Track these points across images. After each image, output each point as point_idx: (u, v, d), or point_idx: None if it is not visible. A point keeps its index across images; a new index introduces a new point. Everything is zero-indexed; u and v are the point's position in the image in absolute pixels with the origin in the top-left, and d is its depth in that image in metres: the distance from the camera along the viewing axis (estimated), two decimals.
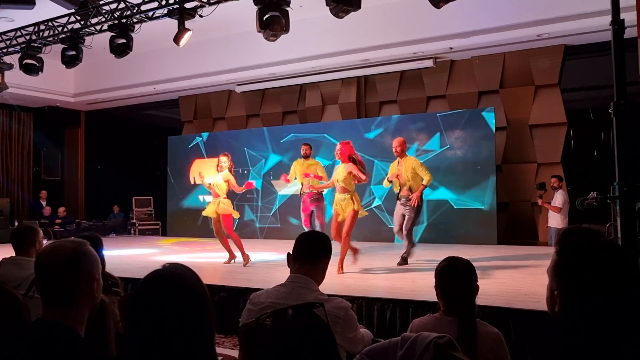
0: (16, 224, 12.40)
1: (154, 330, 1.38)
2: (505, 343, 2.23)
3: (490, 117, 9.68)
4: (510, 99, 10.07)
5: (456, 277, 2.27)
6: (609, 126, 3.17)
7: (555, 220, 8.84)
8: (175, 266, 1.49)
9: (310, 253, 2.53)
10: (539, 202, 8.88)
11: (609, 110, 3.06)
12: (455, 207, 9.86)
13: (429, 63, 10.32)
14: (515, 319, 4.12)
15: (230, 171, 7.41)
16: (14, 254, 3.52)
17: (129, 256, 8.65)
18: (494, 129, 9.67)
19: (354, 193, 6.61)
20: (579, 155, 9.98)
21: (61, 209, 13.64)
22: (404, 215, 6.97)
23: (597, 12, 7.84)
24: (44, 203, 13.90)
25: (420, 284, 5.62)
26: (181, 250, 9.29)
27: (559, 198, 8.75)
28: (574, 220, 8.43)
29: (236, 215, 7.53)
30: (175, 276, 1.45)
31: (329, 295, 2.57)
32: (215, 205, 7.36)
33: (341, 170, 6.60)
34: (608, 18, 3.14)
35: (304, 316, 1.43)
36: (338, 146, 6.75)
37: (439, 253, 7.65)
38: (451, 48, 9.78)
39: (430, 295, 4.62)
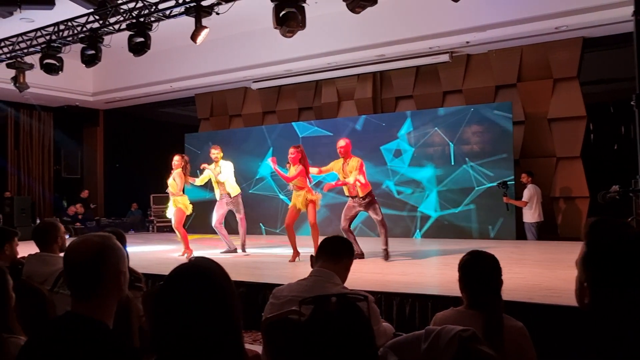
0: (38, 221, 12.60)
1: (182, 324, 1.40)
2: (529, 337, 2.22)
3: (504, 112, 9.63)
4: (528, 93, 9.97)
5: (481, 271, 2.26)
6: (629, 119, 3.13)
7: (527, 216, 9.27)
8: (202, 260, 1.51)
9: (333, 251, 2.57)
10: (504, 199, 9.17)
11: (631, 102, 3.02)
12: (472, 202, 9.81)
13: (445, 57, 10.25)
14: (537, 314, 4.09)
15: (182, 170, 7.96)
16: (36, 251, 3.58)
17: (148, 252, 8.74)
18: (511, 123, 9.60)
19: (308, 190, 7.10)
20: (599, 149, 9.86)
21: (78, 205, 13.84)
22: (356, 213, 7.15)
23: (617, 3, 7.73)
24: (65, 203, 14.17)
25: (439, 279, 5.62)
26: (200, 247, 9.32)
27: (525, 193, 9.18)
28: (596, 213, 8.33)
29: (188, 211, 8.16)
30: (202, 270, 1.47)
31: None
32: (173, 202, 8.07)
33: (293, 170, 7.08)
34: (628, 9, 3.11)
35: (347, 307, 1.41)
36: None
37: (458, 248, 7.67)
38: (468, 42, 9.70)
39: (450, 290, 4.63)
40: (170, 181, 8.04)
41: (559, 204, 9.74)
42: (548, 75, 9.78)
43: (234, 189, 8.05)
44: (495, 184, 9.40)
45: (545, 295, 4.60)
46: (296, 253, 7.20)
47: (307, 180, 7.16)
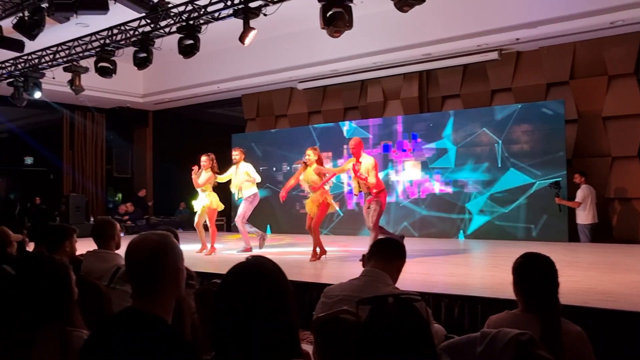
0: (91, 219, 13.05)
1: (240, 321, 1.42)
2: (589, 343, 2.14)
3: (556, 111, 9.37)
4: (581, 90, 9.65)
5: (537, 274, 2.21)
6: None
7: (581, 217, 9.00)
8: (260, 259, 1.53)
9: (386, 252, 2.56)
10: (556, 200, 8.96)
11: None
12: (520, 203, 9.58)
13: (493, 55, 10.05)
14: (593, 318, 3.96)
15: (212, 169, 8.37)
16: (91, 247, 3.70)
17: (196, 251, 8.89)
18: (563, 122, 9.33)
19: (323, 190, 7.29)
20: None
21: (129, 204, 14.27)
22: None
23: None
24: (120, 198, 14.68)
25: (489, 281, 5.50)
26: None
27: (578, 194, 8.92)
28: None
29: (220, 207, 8.56)
30: (260, 268, 1.49)
31: None
32: (203, 201, 8.44)
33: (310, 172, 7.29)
34: None
35: (405, 308, 1.40)
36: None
37: (508, 250, 7.51)
38: (517, 39, 9.47)
39: (501, 292, 4.54)
40: (201, 180, 8.38)
41: (614, 205, 9.39)
42: (602, 72, 9.44)
43: (247, 190, 8.37)
44: (542, 182, 9.17)
45: (601, 299, 4.45)
46: (323, 251, 7.40)
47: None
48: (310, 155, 7.32)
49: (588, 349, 2.14)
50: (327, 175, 7.46)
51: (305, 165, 7.37)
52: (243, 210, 8.38)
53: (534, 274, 2.22)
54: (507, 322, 2.16)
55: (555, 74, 9.86)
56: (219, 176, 8.50)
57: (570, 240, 9.05)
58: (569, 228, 9.14)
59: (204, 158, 8.42)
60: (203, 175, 8.38)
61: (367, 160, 7.05)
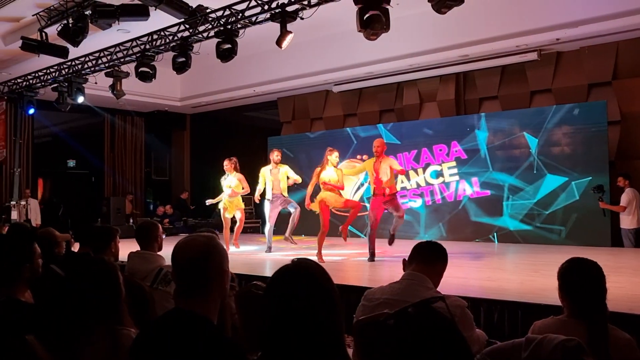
0: (131, 221, 13.34)
1: (288, 322, 1.44)
2: (639, 351, 2.09)
3: (598, 112, 9.14)
4: (624, 91, 9.38)
5: (583, 279, 2.17)
6: None
7: (625, 222, 8.73)
8: (305, 261, 1.55)
9: (427, 255, 2.54)
10: (600, 204, 8.67)
11: None
12: (565, 206, 9.36)
13: (533, 56, 9.86)
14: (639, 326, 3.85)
15: (236, 172, 8.88)
16: (133, 249, 3.78)
17: (233, 253, 8.99)
18: (605, 123, 9.10)
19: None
20: None
21: (168, 207, 14.52)
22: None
23: None
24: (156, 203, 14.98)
25: (528, 286, 5.40)
26: (284, 248, 9.47)
27: (623, 197, 8.65)
28: None
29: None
30: (307, 271, 1.51)
31: None
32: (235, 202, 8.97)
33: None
34: None
35: (425, 313, 1.40)
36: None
37: (547, 255, 7.36)
38: (558, 39, 9.26)
39: (541, 298, 4.46)
40: (235, 183, 8.82)
41: None
42: None
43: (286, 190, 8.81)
44: (578, 183, 8.94)
45: None
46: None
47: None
48: (333, 157, 7.72)
49: (637, 358, 2.08)
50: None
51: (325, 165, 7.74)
52: (271, 214, 8.78)
53: (581, 279, 2.18)
54: (553, 327, 2.12)
55: (598, 75, 9.61)
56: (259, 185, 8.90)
57: (613, 245, 8.80)
58: (612, 233, 8.89)
59: (225, 162, 8.87)
60: (233, 179, 8.82)
61: (389, 161, 7.45)
